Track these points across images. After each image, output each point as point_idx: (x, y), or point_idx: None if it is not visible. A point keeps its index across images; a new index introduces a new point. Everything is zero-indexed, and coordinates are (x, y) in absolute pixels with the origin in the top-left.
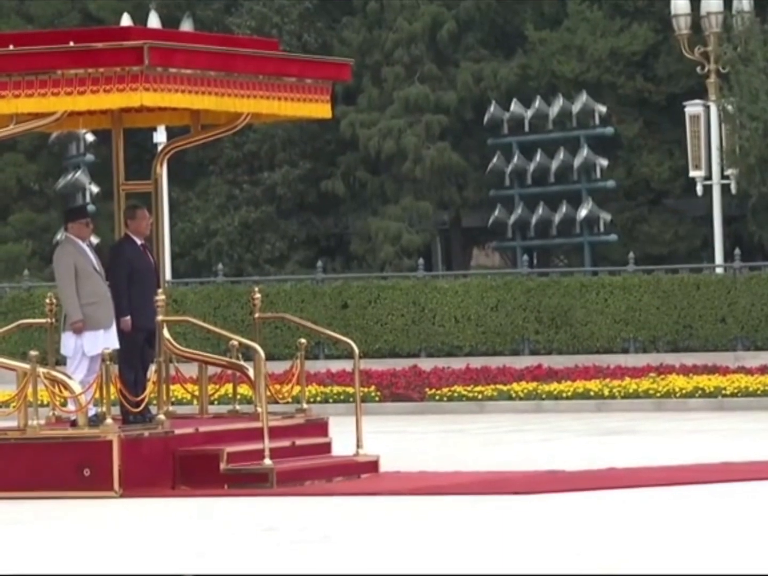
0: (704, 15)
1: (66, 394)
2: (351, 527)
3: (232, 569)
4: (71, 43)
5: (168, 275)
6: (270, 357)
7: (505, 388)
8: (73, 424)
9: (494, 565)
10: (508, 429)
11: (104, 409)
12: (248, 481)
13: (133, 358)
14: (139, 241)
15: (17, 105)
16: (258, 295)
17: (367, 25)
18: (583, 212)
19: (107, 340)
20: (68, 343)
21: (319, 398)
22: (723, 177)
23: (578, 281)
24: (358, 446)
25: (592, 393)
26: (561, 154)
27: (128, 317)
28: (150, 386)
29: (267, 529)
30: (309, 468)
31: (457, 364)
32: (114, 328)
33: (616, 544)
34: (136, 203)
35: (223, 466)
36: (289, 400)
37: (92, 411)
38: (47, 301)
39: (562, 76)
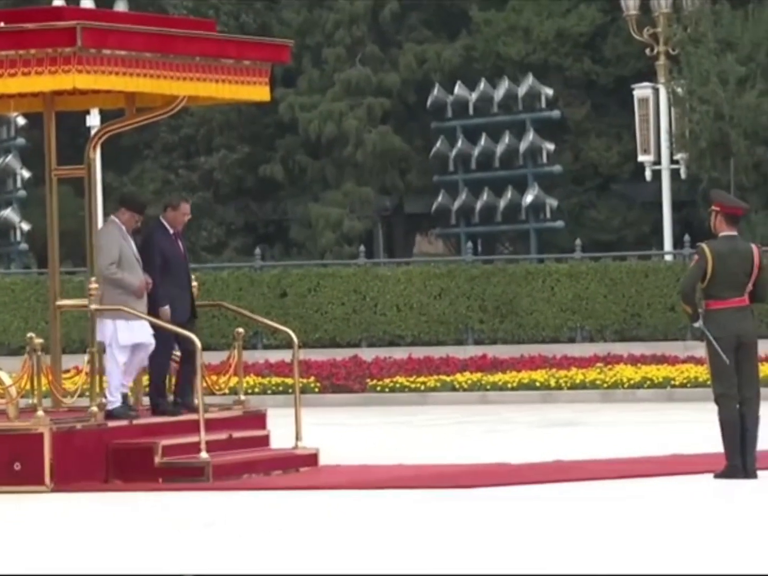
0: None
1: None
2: (290, 522)
3: (168, 567)
4: (1, 24)
5: None
6: (206, 347)
7: (448, 378)
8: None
9: (431, 561)
10: (451, 421)
11: (35, 400)
12: (184, 474)
13: (167, 349)
14: (171, 230)
15: None
16: (195, 283)
17: (307, 5)
18: (528, 198)
19: (142, 331)
20: (105, 330)
21: (257, 389)
22: (672, 161)
23: (524, 269)
24: (297, 439)
25: (537, 384)
26: (506, 138)
27: (167, 307)
28: (82, 377)
29: (204, 525)
30: (246, 461)
31: (399, 354)
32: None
33: (557, 537)
34: (183, 195)
35: (157, 459)
36: (226, 391)
37: (116, 403)
38: None
39: (508, 58)
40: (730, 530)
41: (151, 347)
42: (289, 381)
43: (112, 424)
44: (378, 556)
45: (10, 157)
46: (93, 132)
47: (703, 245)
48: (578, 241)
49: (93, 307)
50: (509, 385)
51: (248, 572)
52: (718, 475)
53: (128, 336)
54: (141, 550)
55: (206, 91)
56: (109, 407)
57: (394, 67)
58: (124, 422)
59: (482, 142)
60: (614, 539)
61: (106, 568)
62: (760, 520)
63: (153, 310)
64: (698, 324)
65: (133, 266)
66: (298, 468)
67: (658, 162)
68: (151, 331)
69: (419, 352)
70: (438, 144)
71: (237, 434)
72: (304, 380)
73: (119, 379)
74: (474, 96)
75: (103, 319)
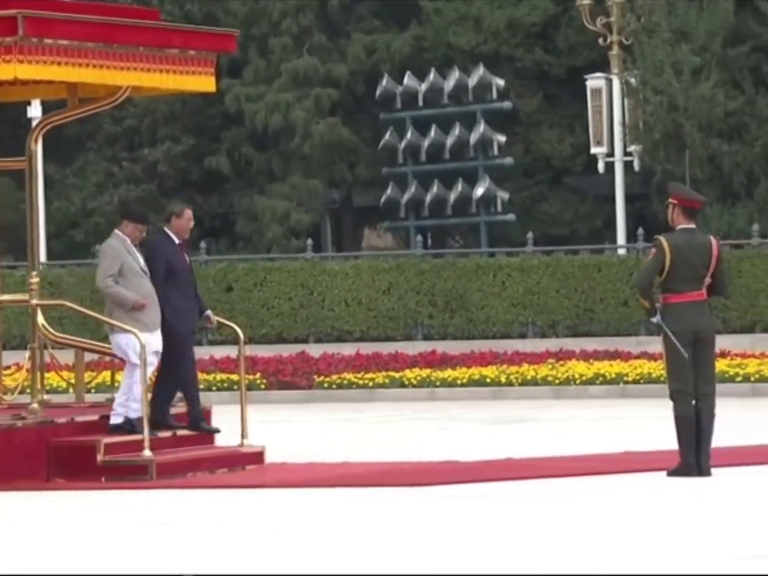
0: None
1: None
2: (234, 521)
3: (107, 567)
4: None
5: (43, 257)
6: None
7: (397, 375)
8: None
9: (377, 560)
10: (400, 418)
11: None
12: (127, 473)
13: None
14: (176, 240)
15: None
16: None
17: None
18: (479, 191)
19: (153, 343)
20: (121, 344)
21: (202, 386)
22: (626, 154)
23: (474, 263)
24: (243, 436)
25: (488, 380)
26: (457, 130)
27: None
28: (23, 373)
29: (144, 523)
30: (191, 459)
31: (347, 350)
32: (159, 331)
33: (506, 536)
34: (184, 202)
35: (100, 457)
36: None
37: (126, 417)
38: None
39: (458, 48)
40: (679, 529)
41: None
42: (234, 377)
43: (53, 421)
44: (323, 553)
45: None
46: (34, 123)
47: (661, 238)
48: (530, 235)
49: (34, 302)
50: (459, 382)
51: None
52: (671, 473)
53: (146, 347)
54: (81, 549)
55: (150, 82)
56: (118, 420)
57: (342, 58)
58: (65, 419)
59: (432, 133)
60: (563, 538)
61: (44, 568)
62: (711, 518)
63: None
64: (656, 319)
65: (140, 279)
66: (243, 466)
67: (611, 154)
68: (161, 341)
69: (367, 348)
70: (387, 136)
71: (181, 432)
72: (250, 377)
73: (140, 392)
74: (424, 87)
75: (116, 334)
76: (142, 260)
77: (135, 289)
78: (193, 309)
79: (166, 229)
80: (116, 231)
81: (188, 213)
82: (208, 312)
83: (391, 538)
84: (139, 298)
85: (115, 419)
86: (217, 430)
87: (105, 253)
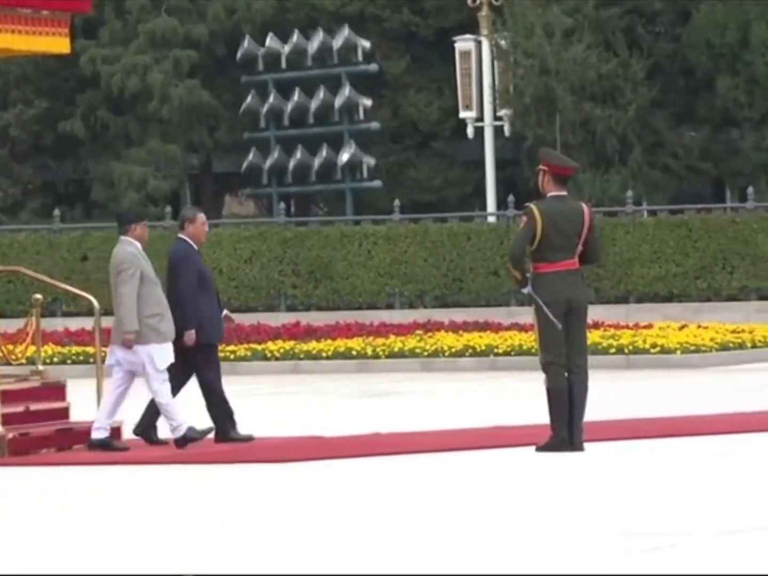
0: None
1: None
2: (92, 498)
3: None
4: None
5: None
6: (2, 314)
7: (259, 347)
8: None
9: (229, 539)
10: (263, 392)
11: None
12: None
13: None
14: (196, 246)
15: None
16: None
17: None
18: (344, 156)
19: (171, 353)
20: (141, 355)
21: (56, 359)
22: (496, 118)
23: (339, 231)
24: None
25: (354, 352)
26: (321, 93)
27: (193, 330)
28: None
29: None
30: (45, 435)
31: None
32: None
33: (369, 514)
34: (195, 207)
35: None
36: (23, 361)
37: (185, 426)
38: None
39: (323, 9)
40: (553, 507)
41: None
42: (90, 350)
43: None
44: (175, 531)
45: None
46: None
47: (532, 206)
48: (397, 202)
49: None
50: (324, 354)
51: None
52: (542, 448)
53: (164, 360)
54: None
55: (1, 43)
56: (180, 433)
57: (201, 18)
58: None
59: (296, 97)
60: (426, 518)
61: None
62: (585, 495)
63: (179, 331)
64: (527, 290)
65: (155, 287)
66: None
67: (480, 119)
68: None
69: None
70: (248, 99)
71: (35, 406)
72: (106, 349)
73: (169, 398)
74: (287, 48)
75: (135, 346)
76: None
77: (152, 299)
78: (219, 315)
79: (183, 237)
80: (124, 237)
81: (201, 217)
82: (226, 312)
83: (239, 517)
84: (134, 328)
85: (180, 431)
86: (251, 437)
87: (125, 260)
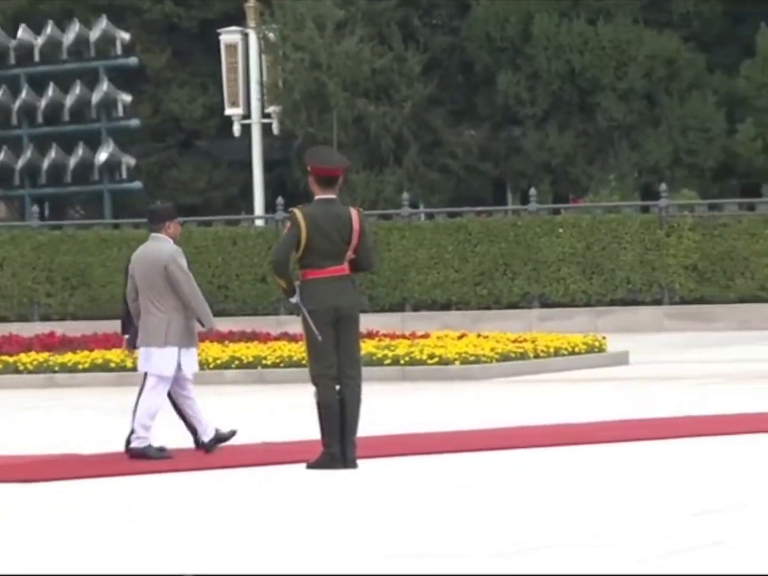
0: None
1: None
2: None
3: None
4: None
5: None
6: None
7: (11, 359)
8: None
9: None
10: (13, 407)
11: None
12: None
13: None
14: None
15: None
16: None
17: None
18: (102, 156)
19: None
20: (167, 358)
21: None
22: (264, 116)
23: (97, 235)
24: None
25: (112, 364)
26: (77, 89)
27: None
28: None
29: None
30: None
31: None
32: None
33: (121, 535)
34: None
35: None
36: None
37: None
38: None
39: None
40: (322, 527)
41: None
42: None
43: None
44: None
45: None
46: None
47: (296, 210)
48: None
49: None
50: (80, 366)
51: None
52: (312, 465)
53: (192, 365)
54: None
55: None
56: (141, 444)
57: None
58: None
59: (50, 92)
60: (193, 540)
61: None
62: (357, 515)
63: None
64: (295, 299)
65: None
66: None
67: (247, 116)
68: None
69: None
70: None
71: None
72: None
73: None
74: (40, 41)
75: (165, 347)
76: None
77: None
78: None
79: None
80: (158, 235)
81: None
82: None
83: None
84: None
85: (143, 443)
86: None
87: (180, 266)
